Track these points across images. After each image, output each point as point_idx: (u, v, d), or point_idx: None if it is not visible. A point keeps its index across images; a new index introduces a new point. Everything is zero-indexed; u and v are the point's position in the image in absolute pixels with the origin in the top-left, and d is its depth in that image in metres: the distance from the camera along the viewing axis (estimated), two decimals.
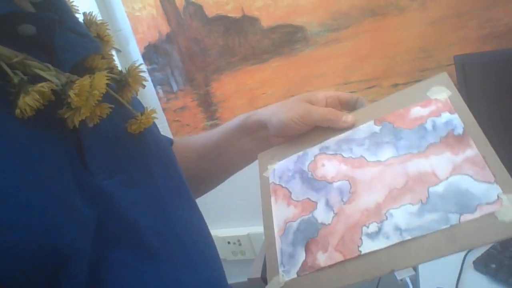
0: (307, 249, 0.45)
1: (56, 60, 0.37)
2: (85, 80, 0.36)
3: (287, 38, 1.22)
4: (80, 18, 0.46)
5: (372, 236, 0.41)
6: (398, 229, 0.40)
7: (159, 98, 1.46)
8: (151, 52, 1.40)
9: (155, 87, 1.45)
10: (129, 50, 1.44)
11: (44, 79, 0.34)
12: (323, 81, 1.23)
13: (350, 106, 0.55)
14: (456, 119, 0.43)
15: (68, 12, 0.43)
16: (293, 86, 1.27)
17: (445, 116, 0.44)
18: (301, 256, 0.44)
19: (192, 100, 1.42)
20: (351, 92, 1.20)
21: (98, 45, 0.43)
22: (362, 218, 0.43)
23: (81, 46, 0.41)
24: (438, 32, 1.05)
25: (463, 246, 0.37)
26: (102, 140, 0.40)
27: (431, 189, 0.41)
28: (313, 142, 0.52)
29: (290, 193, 0.50)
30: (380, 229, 0.41)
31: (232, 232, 1.59)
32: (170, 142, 0.65)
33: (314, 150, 0.52)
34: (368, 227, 0.42)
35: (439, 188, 0.40)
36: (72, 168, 0.36)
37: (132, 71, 0.45)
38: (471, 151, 0.41)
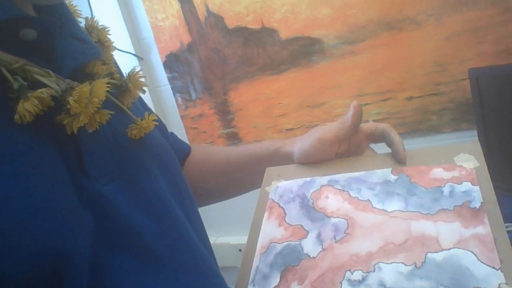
0: (283, 276, 0.43)
1: (56, 66, 0.38)
2: (85, 87, 0.36)
3: (304, 50, 1.25)
4: (82, 23, 0.47)
5: (354, 284, 0.39)
6: (382, 285, 0.38)
7: (178, 106, 1.50)
8: (172, 61, 1.45)
9: (174, 94, 1.49)
10: (151, 58, 1.49)
11: (44, 85, 0.34)
12: (339, 92, 1.25)
13: (375, 137, 0.53)
14: (476, 191, 0.41)
15: (69, 18, 0.43)
16: (309, 97, 1.30)
17: (466, 185, 0.42)
18: (275, 280, 0.43)
19: (209, 108, 1.46)
20: (366, 104, 1.22)
21: (98, 51, 0.44)
22: (349, 262, 0.41)
23: (81, 52, 0.41)
24: (453, 47, 1.07)
25: None
26: (101, 145, 0.41)
27: (430, 255, 0.39)
28: (325, 171, 0.51)
29: (285, 214, 0.49)
30: (364, 279, 0.39)
31: (244, 240, 1.60)
32: (188, 149, 0.66)
33: (323, 180, 0.50)
34: (352, 273, 0.40)
35: (439, 257, 0.38)
36: (71, 174, 0.36)
37: (132, 76, 0.46)
38: (482, 229, 0.38)
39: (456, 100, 1.11)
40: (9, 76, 0.33)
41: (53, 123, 0.36)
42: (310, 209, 0.48)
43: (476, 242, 0.38)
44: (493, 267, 0.36)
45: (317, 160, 0.53)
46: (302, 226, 0.47)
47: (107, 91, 0.39)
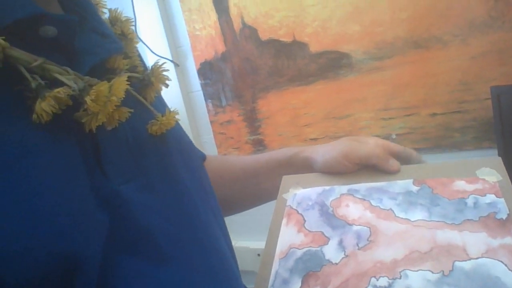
0: (304, 281, 0.43)
1: (76, 62, 0.37)
2: (103, 85, 0.35)
3: (332, 63, 1.31)
4: (107, 14, 0.46)
5: None
6: None
7: (208, 111, 1.58)
8: (206, 68, 1.53)
9: (205, 100, 1.57)
10: (186, 65, 1.58)
11: (62, 84, 0.34)
12: (364, 105, 1.30)
13: (401, 159, 0.52)
14: (502, 203, 0.42)
15: (92, 11, 0.42)
16: (335, 108, 1.35)
17: (490, 197, 0.43)
18: (296, 285, 0.43)
19: (238, 115, 1.53)
20: (390, 118, 1.26)
21: (120, 45, 0.42)
22: (373, 269, 0.41)
23: (102, 47, 0.40)
24: (478, 66, 1.10)
25: None
26: (120, 143, 0.39)
27: (457, 264, 0.39)
28: (344, 181, 0.51)
29: (304, 221, 0.49)
30: (390, 286, 0.39)
31: (263, 245, 1.64)
32: (204, 157, 0.63)
33: (342, 189, 0.51)
34: (377, 279, 0.40)
35: (467, 265, 0.38)
36: (89, 173, 0.35)
37: (156, 70, 0.44)
38: (511, 240, 0.39)
39: (479, 119, 1.14)
40: (27, 75, 0.33)
41: (72, 120, 0.35)
42: (330, 217, 0.48)
43: (505, 252, 0.38)
44: None
45: (338, 172, 0.53)
46: (322, 233, 0.47)
47: (129, 84, 0.38)
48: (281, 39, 1.37)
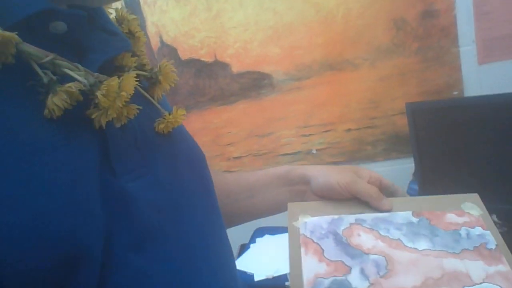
0: None
1: (86, 59, 0.37)
2: (113, 81, 0.35)
3: (254, 84, 1.36)
4: (113, 14, 0.46)
5: None
6: None
7: None
8: None
9: None
10: None
11: (73, 79, 0.34)
12: (285, 123, 1.37)
13: (388, 192, 0.56)
14: (489, 235, 0.48)
15: (99, 10, 0.42)
16: (257, 127, 1.39)
17: (479, 229, 0.49)
18: None
19: None
20: (310, 134, 1.35)
21: (128, 43, 0.43)
22: None
23: (111, 45, 0.40)
24: (384, 86, 1.26)
25: None
26: (129, 140, 0.40)
27: None
28: (348, 210, 0.54)
29: (323, 250, 0.50)
30: None
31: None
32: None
33: (350, 218, 0.53)
34: None
35: None
36: (98, 170, 0.35)
37: (164, 68, 0.45)
38: (503, 267, 0.44)
39: (387, 133, 1.29)
40: (39, 70, 0.33)
41: (81, 117, 0.35)
42: (346, 246, 0.49)
43: (501, 278, 0.43)
44: None
45: (331, 197, 0.55)
46: (343, 262, 0.48)
47: (137, 82, 0.38)
48: (202, 58, 1.38)
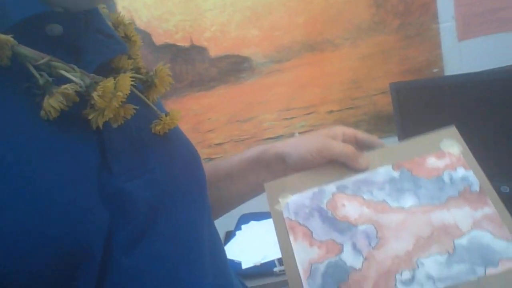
0: None
1: (82, 61, 0.38)
2: (109, 81, 0.36)
3: (233, 67, 1.32)
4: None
5: (407, 283, 0.42)
6: (430, 278, 0.42)
7: None
8: None
9: None
10: None
11: (69, 81, 0.35)
12: (266, 107, 1.34)
13: (365, 146, 0.55)
14: (471, 176, 0.47)
15: (96, 13, 0.43)
16: (238, 112, 1.36)
17: (461, 171, 0.47)
18: None
19: None
20: (292, 117, 1.33)
21: (124, 46, 0.43)
22: (393, 265, 0.44)
23: (107, 47, 0.41)
24: (366, 66, 1.24)
25: None
26: (126, 140, 0.40)
27: (456, 241, 0.43)
28: (328, 178, 0.51)
29: (311, 232, 0.48)
30: (413, 277, 0.43)
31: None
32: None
33: (331, 187, 0.51)
34: (401, 274, 0.43)
35: (463, 241, 0.43)
36: (96, 170, 0.36)
37: (159, 71, 0.45)
38: (488, 209, 0.44)
39: (369, 113, 1.28)
40: (35, 72, 0.33)
41: (78, 118, 0.36)
42: (333, 221, 0.48)
43: (488, 221, 0.43)
44: (507, 239, 0.42)
45: (308, 167, 0.53)
46: (334, 241, 0.47)
47: (133, 86, 0.39)
48: (178, 43, 1.32)
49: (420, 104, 0.96)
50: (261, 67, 1.30)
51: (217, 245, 0.50)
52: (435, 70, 1.20)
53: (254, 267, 1.08)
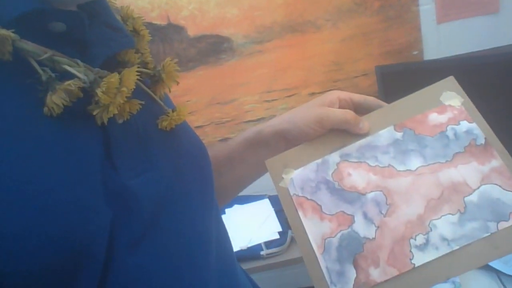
0: (356, 265, 0.44)
1: (89, 55, 0.37)
2: (113, 77, 0.35)
3: (213, 48, 1.28)
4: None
5: (422, 248, 0.42)
6: (445, 239, 0.42)
7: None
8: None
9: None
10: None
11: (72, 76, 0.34)
12: (247, 89, 1.32)
13: (363, 108, 0.53)
14: (476, 129, 0.46)
15: (104, 6, 0.42)
16: (218, 94, 1.33)
17: (464, 125, 0.46)
18: (352, 273, 0.44)
19: None
20: (273, 100, 1.32)
21: (131, 39, 0.42)
22: (407, 231, 0.43)
23: (114, 41, 0.40)
24: (347, 48, 1.24)
25: (505, 251, 0.41)
26: (131, 137, 0.40)
27: (467, 199, 0.43)
28: (330, 148, 0.50)
29: (320, 206, 0.47)
30: (427, 241, 0.42)
31: None
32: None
33: (334, 157, 0.49)
34: (415, 239, 0.43)
35: (474, 198, 0.43)
36: (100, 167, 0.35)
37: (167, 66, 0.44)
38: (496, 162, 0.44)
39: None
40: (37, 67, 0.33)
41: (82, 113, 0.35)
42: (340, 192, 0.47)
43: (496, 175, 0.43)
44: None
45: (309, 139, 0.51)
46: (343, 212, 0.46)
47: (140, 81, 0.38)
48: (153, 22, 1.27)
49: (406, 88, 0.98)
50: (242, 48, 1.27)
51: (225, 243, 0.49)
52: (414, 53, 1.22)
53: (241, 250, 1.09)
